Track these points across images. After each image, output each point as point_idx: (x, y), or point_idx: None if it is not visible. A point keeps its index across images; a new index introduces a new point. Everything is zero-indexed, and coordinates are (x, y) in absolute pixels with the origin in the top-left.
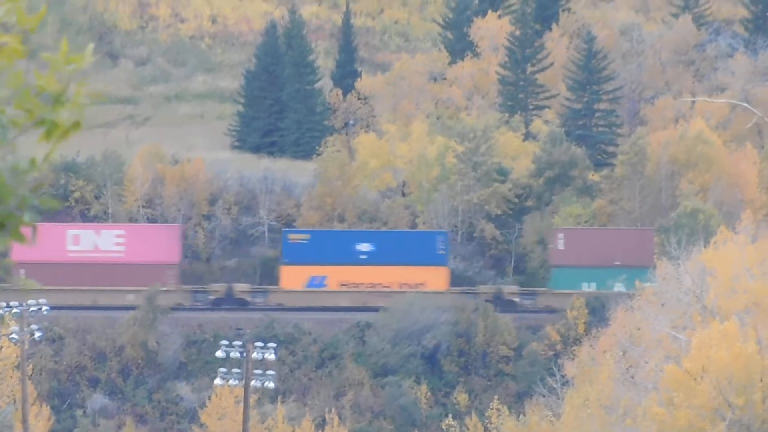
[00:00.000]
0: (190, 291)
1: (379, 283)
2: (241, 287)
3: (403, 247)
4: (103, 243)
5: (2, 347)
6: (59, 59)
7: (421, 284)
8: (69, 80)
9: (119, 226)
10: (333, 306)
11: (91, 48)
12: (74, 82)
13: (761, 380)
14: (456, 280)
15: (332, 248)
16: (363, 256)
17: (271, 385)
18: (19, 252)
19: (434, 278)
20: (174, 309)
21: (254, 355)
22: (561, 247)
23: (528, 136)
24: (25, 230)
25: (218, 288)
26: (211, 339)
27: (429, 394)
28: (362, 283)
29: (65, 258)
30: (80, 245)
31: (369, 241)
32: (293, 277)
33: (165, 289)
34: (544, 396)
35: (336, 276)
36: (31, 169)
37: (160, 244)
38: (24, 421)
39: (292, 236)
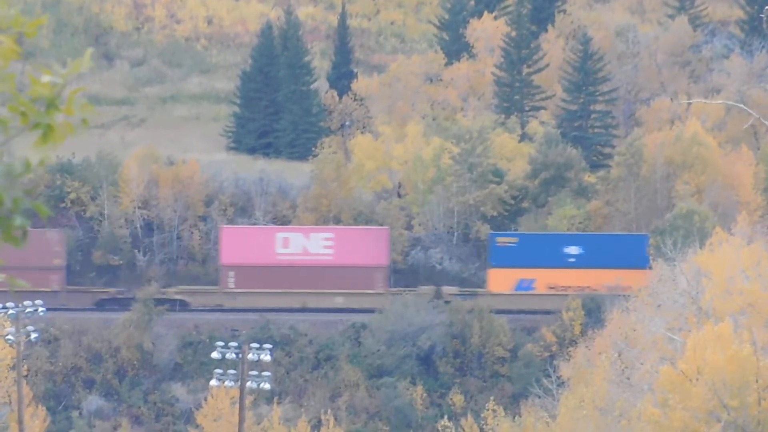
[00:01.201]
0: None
1: (587, 286)
2: (449, 290)
3: (610, 250)
4: (312, 246)
5: None
6: (55, 65)
7: (628, 287)
8: (64, 85)
9: (328, 228)
10: (540, 309)
11: (90, 52)
12: (70, 86)
13: (756, 382)
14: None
15: (541, 251)
16: (571, 259)
17: (266, 386)
18: (228, 256)
19: (639, 281)
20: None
21: (250, 356)
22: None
23: (524, 137)
24: (17, 233)
25: (426, 290)
26: (207, 340)
27: (424, 395)
28: (570, 286)
29: (274, 261)
30: (289, 248)
31: (578, 244)
32: (502, 280)
33: (373, 292)
34: (539, 397)
35: (544, 279)
36: (24, 171)
37: (369, 247)
38: (20, 422)
39: (500, 240)
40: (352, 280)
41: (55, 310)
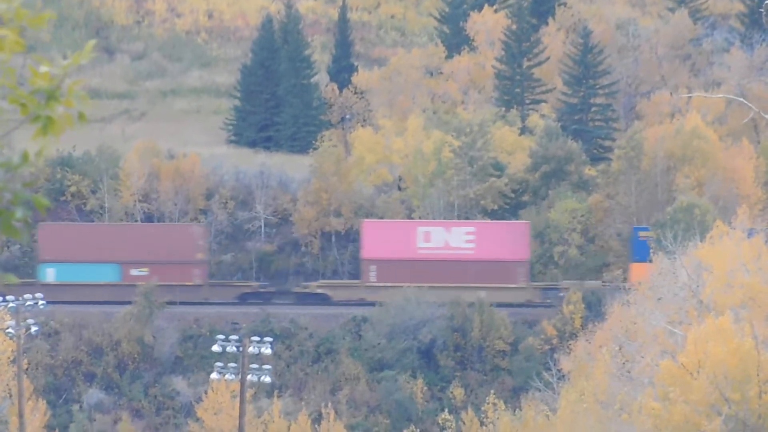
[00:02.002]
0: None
1: None
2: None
3: None
4: (454, 240)
5: None
6: (56, 58)
7: None
8: (64, 76)
9: (470, 223)
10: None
11: (92, 44)
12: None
13: (757, 375)
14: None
15: None
16: None
17: (267, 379)
18: (370, 250)
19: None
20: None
21: (250, 349)
22: None
23: (524, 130)
24: (18, 225)
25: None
26: (207, 333)
27: (425, 388)
28: None
29: (416, 255)
30: (431, 242)
31: None
32: (644, 274)
33: (515, 286)
34: (540, 391)
35: None
36: (23, 164)
37: (511, 242)
38: (20, 415)
39: (642, 234)
40: (494, 275)
41: (197, 304)
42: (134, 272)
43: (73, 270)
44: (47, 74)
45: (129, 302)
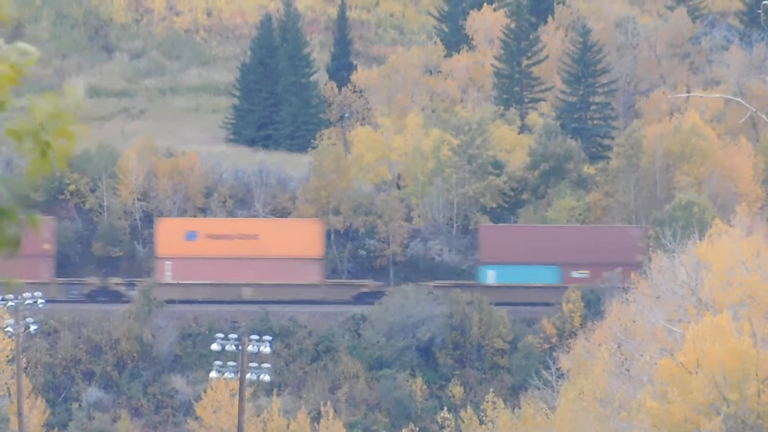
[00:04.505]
0: None
1: None
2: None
3: None
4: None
5: None
6: (43, 104)
7: None
8: (46, 124)
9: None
10: None
11: (79, 88)
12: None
13: (756, 374)
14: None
15: None
16: None
17: (266, 378)
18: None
19: None
20: None
21: (249, 348)
22: None
23: (523, 129)
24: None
25: None
26: (206, 332)
27: (424, 386)
28: None
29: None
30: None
31: None
32: None
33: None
34: (539, 389)
35: None
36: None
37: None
38: (19, 414)
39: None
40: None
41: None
42: (575, 274)
43: (513, 272)
44: (25, 123)
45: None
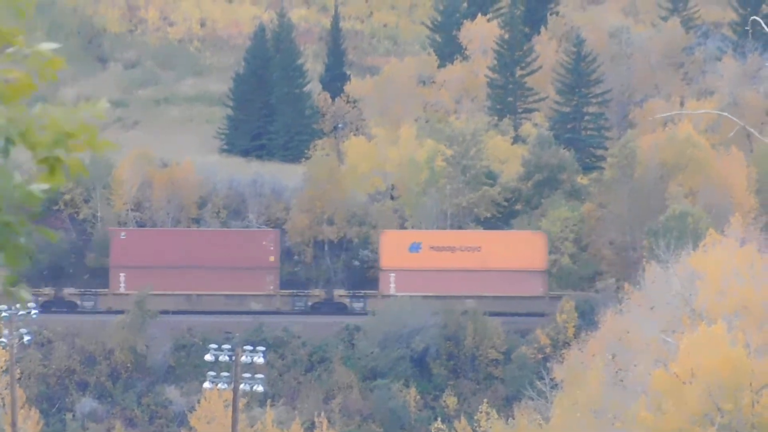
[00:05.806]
0: None
1: None
2: None
3: None
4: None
5: None
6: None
7: None
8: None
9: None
10: None
11: (104, 103)
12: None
13: (750, 384)
14: None
15: None
16: None
17: (260, 388)
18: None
19: None
20: None
21: (243, 358)
22: None
23: (517, 139)
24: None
25: None
26: (200, 342)
27: (418, 397)
28: None
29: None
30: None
31: None
32: None
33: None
34: (533, 399)
35: None
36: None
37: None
38: (13, 424)
39: None
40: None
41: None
42: None
43: None
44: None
45: None
